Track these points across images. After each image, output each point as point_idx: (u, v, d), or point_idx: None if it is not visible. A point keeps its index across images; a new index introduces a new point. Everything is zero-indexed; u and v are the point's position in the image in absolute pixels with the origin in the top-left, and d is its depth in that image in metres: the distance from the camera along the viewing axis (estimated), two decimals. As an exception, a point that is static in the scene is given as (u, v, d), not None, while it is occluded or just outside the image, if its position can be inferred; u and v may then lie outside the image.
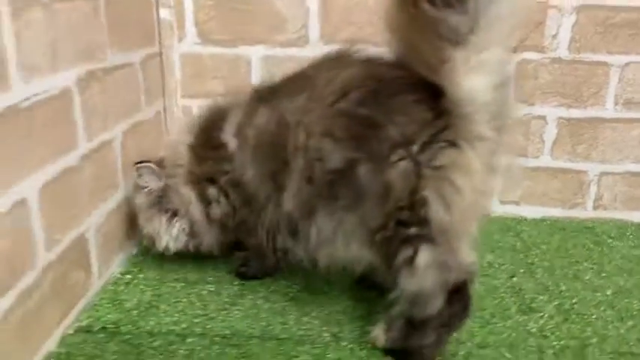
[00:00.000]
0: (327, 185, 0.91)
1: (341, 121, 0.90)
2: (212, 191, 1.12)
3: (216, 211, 1.13)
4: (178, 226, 1.17)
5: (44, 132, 0.89)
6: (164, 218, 1.17)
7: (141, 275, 1.19)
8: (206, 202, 1.14)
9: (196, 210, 1.15)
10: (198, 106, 1.54)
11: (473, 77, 0.79)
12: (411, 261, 0.88)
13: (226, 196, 1.11)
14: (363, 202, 0.89)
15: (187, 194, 1.15)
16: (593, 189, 1.55)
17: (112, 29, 1.13)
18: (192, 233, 1.18)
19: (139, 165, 1.17)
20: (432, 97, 0.84)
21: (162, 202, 1.17)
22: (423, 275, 0.87)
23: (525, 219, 1.55)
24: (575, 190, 1.56)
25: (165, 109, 1.53)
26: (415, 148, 0.85)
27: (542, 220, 1.54)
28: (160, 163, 1.18)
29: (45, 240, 0.90)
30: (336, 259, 0.98)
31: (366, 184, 0.88)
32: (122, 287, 1.14)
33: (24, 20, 0.82)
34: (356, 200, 0.89)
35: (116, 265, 1.22)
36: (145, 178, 1.17)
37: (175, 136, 1.24)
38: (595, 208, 1.57)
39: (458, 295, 0.90)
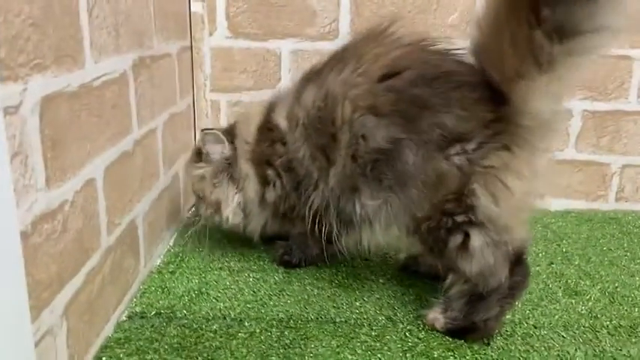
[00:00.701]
0: (371, 165, 0.92)
1: (388, 97, 0.90)
2: (270, 173, 1.10)
3: (272, 193, 1.11)
4: (237, 199, 1.15)
5: (112, 112, 0.89)
6: (233, 185, 1.15)
7: (184, 265, 1.19)
8: (265, 182, 1.12)
9: (252, 188, 1.13)
10: (227, 101, 1.55)
11: (546, 100, 0.82)
12: (465, 246, 0.90)
13: (281, 179, 1.09)
14: (408, 187, 0.90)
15: (247, 170, 1.13)
16: (616, 181, 1.59)
17: (157, 18, 1.14)
18: (244, 211, 1.16)
19: (205, 131, 1.16)
20: (492, 99, 0.86)
21: (230, 169, 1.15)
22: (481, 255, 0.89)
23: (550, 211, 1.57)
24: (598, 182, 1.59)
25: (194, 103, 1.53)
26: (472, 146, 0.87)
27: (567, 212, 1.57)
28: (230, 132, 1.16)
29: (107, 223, 0.89)
30: (376, 243, 0.99)
31: (412, 169, 0.88)
32: (167, 276, 1.13)
33: None
34: (400, 183, 0.90)
35: (157, 256, 1.21)
36: (209, 145, 1.15)
37: (250, 114, 1.19)
38: (617, 200, 1.60)
39: (518, 265, 0.93)
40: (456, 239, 0.90)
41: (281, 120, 1.06)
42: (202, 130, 1.18)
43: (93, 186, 0.83)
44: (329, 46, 1.48)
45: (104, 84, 0.86)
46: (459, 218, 0.89)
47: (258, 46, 1.51)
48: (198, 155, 1.18)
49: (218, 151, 1.15)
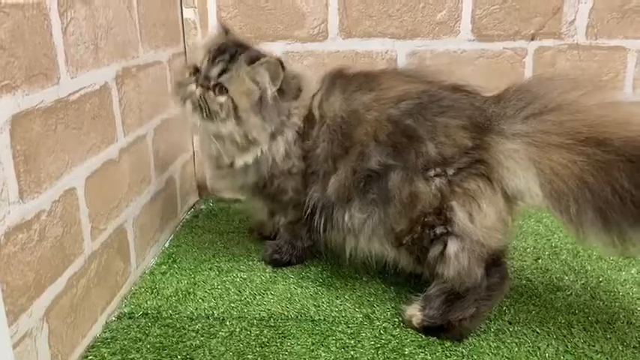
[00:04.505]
0: (364, 181, 0.98)
1: (387, 126, 0.96)
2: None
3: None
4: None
5: (92, 124, 0.93)
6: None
7: (175, 266, 1.23)
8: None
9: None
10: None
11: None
12: (442, 254, 0.94)
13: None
14: (388, 204, 0.96)
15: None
16: (613, 174, 1.57)
17: (142, 28, 1.18)
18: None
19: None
20: (476, 127, 0.92)
21: None
22: (456, 261, 0.93)
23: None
24: (595, 175, 1.57)
25: (190, 107, 1.57)
26: (451, 170, 0.92)
27: (563, 205, 1.56)
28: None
29: (90, 229, 0.94)
30: (360, 251, 1.04)
31: (392, 189, 0.95)
32: (159, 276, 1.18)
33: (69, 17, 0.86)
34: (382, 200, 0.96)
35: (150, 257, 1.26)
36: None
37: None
38: (615, 192, 1.58)
39: (495, 267, 0.96)
40: (436, 249, 0.95)
41: (315, 110, 1.07)
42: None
43: (73, 195, 0.88)
44: (319, 47, 1.51)
45: (82, 97, 0.90)
46: (439, 230, 0.94)
47: (250, 49, 1.53)
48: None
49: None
